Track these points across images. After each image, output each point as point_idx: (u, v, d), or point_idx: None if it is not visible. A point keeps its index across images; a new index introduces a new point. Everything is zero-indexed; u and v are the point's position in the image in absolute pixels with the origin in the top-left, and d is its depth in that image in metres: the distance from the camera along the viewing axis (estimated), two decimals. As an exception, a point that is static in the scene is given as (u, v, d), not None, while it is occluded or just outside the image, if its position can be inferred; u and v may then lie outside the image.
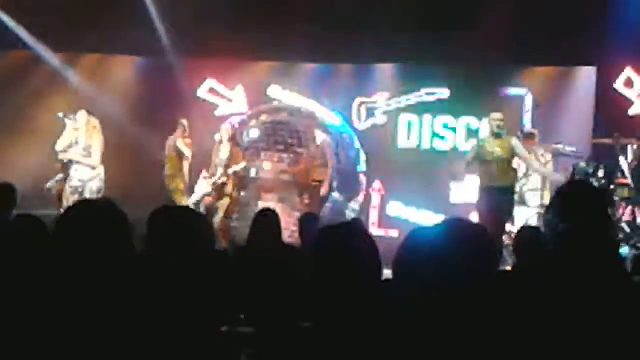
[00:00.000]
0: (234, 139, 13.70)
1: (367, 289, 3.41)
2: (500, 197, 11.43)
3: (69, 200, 12.68)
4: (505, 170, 11.58)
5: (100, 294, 3.52)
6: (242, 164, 13.71)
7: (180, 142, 14.02)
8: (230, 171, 13.42)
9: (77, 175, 12.78)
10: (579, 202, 4.14)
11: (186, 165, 14.11)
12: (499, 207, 11.33)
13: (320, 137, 14.52)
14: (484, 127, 14.80)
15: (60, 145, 12.86)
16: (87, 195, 12.66)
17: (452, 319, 3.24)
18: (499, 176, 11.51)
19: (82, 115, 12.90)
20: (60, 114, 12.92)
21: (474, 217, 13.96)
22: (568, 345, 3.56)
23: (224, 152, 13.53)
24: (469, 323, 3.25)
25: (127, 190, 13.03)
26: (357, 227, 3.62)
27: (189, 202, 13.31)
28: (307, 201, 14.31)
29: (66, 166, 12.85)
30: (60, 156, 12.90)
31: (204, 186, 13.59)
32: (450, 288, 3.29)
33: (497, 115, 11.84)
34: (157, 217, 3.99)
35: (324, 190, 14.06)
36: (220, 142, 13.69)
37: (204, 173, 13.85)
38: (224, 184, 13.42)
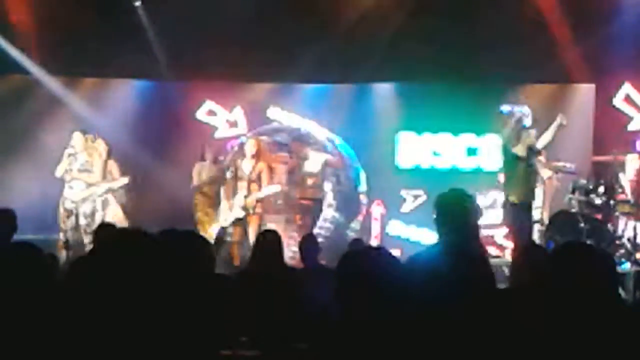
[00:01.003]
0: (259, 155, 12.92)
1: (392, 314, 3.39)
2: None
3: (66, 224, 12.65)
4: None
5: (100, 317, 3.51)
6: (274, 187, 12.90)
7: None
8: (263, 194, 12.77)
9: (70, 194, 12.69)
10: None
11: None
12: None
13: (321, 157, 14.51)
14: (486, 144, 14.88)
15: (59, 171, 12.82)
16: (81, 219, 12.63)
17: (452, 337, 3.24)
18: None
19: (76, 136, 12.89)
20: (66, 154, 12.87)
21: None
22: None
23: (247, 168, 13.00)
24: (468, 341, 3.25)
25: (127, 212, 13.06)
26: (385, 253, 3.58)
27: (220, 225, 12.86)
28: (299, 222, 14.27)
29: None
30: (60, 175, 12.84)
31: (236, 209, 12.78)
32: (449, 307, 3.29)
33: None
34: (162, 239, 3.99)
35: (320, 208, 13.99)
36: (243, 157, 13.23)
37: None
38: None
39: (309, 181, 14.53)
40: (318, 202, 14.38)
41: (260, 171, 12.52)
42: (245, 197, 12.38)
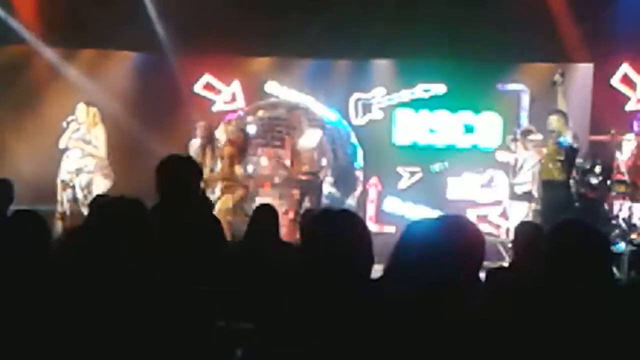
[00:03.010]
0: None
1: (358, 278, 3.42)
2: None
3: (62, 196, 12.62)
4: None
5: (98, 291, 3.52)
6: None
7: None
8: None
9: (66, 165, 12.64)
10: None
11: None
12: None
13: (316, 133, 14.50)
14: (483, 122, 14.92)
15: (62, 143, 12.79)
16: (78, 191, 12.60)
17: (446, 313, 3.26)
18: None
19: (81, 108, 12.83)
20: (65, 123, 12.82)
21: (471, 213, 14.06)
22: (564, 342, 3.57)
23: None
24: (462, 316, 3.27)
25: (124, 185, 13.03)
26: (352, 216, 3.64)
27: None
28: (297, 197, 14.26)
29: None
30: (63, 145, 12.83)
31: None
32: (443, 282, 3.31)
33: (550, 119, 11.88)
34: (155, 213, 4.00)
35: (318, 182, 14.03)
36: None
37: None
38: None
39: (305, 156, 14.50)
40: (316, 177, 14.36)
41: (229, 154, 12.68)
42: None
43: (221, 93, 15.78)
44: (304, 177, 14.17)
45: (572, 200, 11.74)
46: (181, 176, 5.56)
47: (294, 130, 14.62)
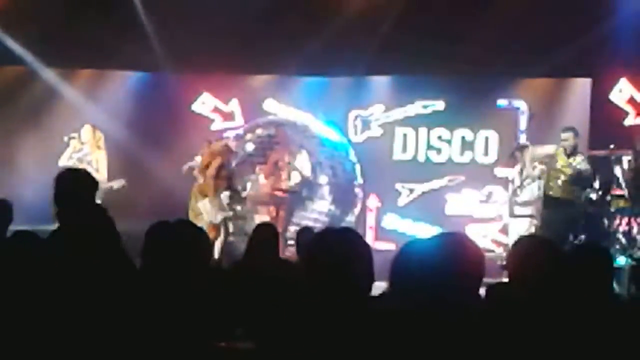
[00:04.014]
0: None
1: (359, 296, 3.41)
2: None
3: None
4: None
5: (98, 308, 3.51)
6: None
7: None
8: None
9: None
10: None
11: None
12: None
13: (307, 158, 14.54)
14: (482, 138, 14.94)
15: (63, 160, 12.79)
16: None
17: (446, 330, 3.25)
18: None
19: (86, 130, 12.85)
20: (65, 137, 12.83)
21: (470, 229, 14.04)
22: (563, 357, 3.56)
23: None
24: (462, 333, 3.26)
25: (120, 205, 13.01)
26: (352, 233, 3.64)
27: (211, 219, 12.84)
28: (273, 213, 14.24)
29: None
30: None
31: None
32: (443, 299, 3.30)
33: (564, 135, 12.03)
34: (155, 231, 3.99)
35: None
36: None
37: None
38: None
39: (287, 174, 14.49)
40: (294, 194, 14.35)
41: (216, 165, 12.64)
42: (231, 197, 12.55)
43: (220, 111, 15.77)
44: (280, 194, 14.17)
45: (575, 219, 11.77)
46: (73, 188, 6.01)
47: (283, 147, 14.63)
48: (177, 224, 4.09)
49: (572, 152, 11.90)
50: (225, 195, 12.68)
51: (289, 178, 14.32)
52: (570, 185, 11.86)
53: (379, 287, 3.62)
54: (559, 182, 11.85)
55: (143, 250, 3.95)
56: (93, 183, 6.15)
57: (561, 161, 11.89)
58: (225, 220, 12.72)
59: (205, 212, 12.58)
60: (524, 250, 6.87)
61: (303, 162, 14.56)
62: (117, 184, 13.14)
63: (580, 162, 11.93)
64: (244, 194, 13.28)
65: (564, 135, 12.04)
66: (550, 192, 12.05)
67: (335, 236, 3.59)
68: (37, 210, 12.64)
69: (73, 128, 13.05)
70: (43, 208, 12.88)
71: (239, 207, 14.18)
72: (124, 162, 14.04)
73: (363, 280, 3.48)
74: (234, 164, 13.67)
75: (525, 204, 12.88)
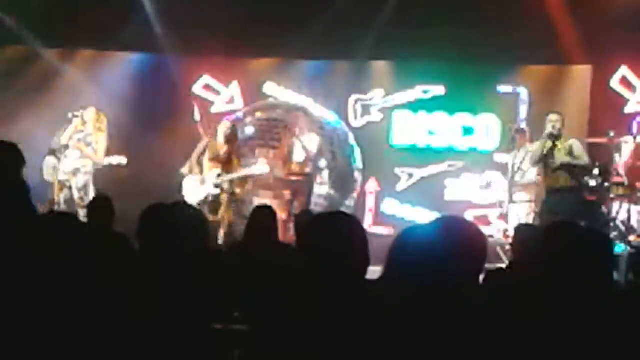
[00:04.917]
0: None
1: (354, 280, 3.42)
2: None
3: (59, 196, 12.62)
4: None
5: (95, 292, 3.51)
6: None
7: None
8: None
9: (64, 166, 12.67)
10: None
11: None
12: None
13: (315, 138, 14.49)
14: (482, 124, 14.91)
15: (65, 138, 12.81)
16: (75, 192, 12.61)
17: (443, 314, 3.25)
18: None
19: (90, 111, 12.89)
20: (70, 114, 12.86)
21: (469, 215, 14.04)
22: (562, 345, 3.56)
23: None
24: (461, 317, 3.26)
25: (120, 187, 13.01)
26: (349, 217, 3.65)
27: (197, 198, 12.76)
28: (288, 197, 14.22)
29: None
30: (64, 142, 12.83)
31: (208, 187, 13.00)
32: (441, 284, 3.30)
33: (553, 117, 11.91)
34: (150, 214, 3.99)
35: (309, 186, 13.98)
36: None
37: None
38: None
39: (299, 156, 14.49)
40: (308, 178, 14.33)
41: (230, 153, 12.53)
42: (219, 175, 12.40)
43: (220, 94, 15.76)
44: (294, 178, 14.16)
45: (575, 205, 11.77)
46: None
47: (290, 131, 14.62)
48: (174, 206, 4.08)
49: (558, 135, 11.82)
50: (213, 173, 12.58)
51: (300, 161, 14.32)
52: (568, 174, 11.85)
53: (374, 271, 3.63)
54: (558, 172, 11.86)
55: (138, 232, 3.95)
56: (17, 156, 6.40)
57: (558, 154, 11.86)
58: (229, 203, 12.64)
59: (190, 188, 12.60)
60: (525, 237, 6.93)
61: (310, 144, 14.55)
62: (115, 160, 13.12)
63: (577, 150, 11.92)
64: (238, 175, 13.07)
65: (553, 117, 11.94)
66: (548, 182, 12.06)
67: (331, 220, 3.59)
68: (42, 189, 12.74)
69: (75, 108, 13.04)
70: (45, 187, 13.00)
71: (238, 190, 14.14)
72: (124, 142, 14.00)
73: (358, 264, 3.49)
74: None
75: (524, 188, 12.88)
